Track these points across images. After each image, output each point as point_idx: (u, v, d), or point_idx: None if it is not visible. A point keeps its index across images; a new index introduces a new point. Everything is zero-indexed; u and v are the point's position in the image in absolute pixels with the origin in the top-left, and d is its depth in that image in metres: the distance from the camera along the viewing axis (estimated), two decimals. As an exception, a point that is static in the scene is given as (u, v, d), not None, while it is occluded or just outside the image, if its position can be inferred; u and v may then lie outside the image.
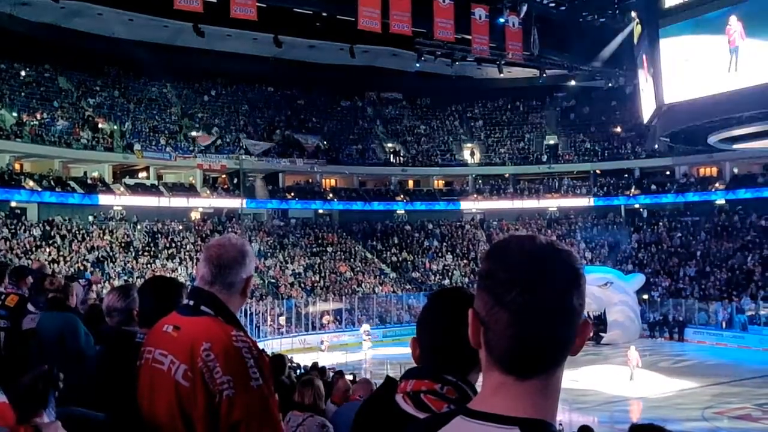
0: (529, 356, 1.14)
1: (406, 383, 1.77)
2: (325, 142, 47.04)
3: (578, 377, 22.50)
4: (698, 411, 19.20)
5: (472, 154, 50.80)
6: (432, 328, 1.85)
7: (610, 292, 32.59)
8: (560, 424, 14.77)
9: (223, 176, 43.50)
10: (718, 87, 17.20)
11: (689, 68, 18.94)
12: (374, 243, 44.78)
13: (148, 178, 40.75)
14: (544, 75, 39.46)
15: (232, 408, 2.03)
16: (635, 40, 28.40)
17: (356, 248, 43.63)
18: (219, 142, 42.71)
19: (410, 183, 50.70)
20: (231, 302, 2.22)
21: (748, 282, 35.10)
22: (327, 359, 24.45)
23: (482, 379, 1.20)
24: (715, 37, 17.66)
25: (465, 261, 43.76)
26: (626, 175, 47.90)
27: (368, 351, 30.40)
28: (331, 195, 46.03)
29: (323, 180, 47.46)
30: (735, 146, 23.78)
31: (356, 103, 52.44)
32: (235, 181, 42.78)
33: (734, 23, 15.52)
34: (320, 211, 46.77)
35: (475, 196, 48.98)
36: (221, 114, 45.85)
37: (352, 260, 42.05)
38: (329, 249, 42.45)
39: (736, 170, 44.26)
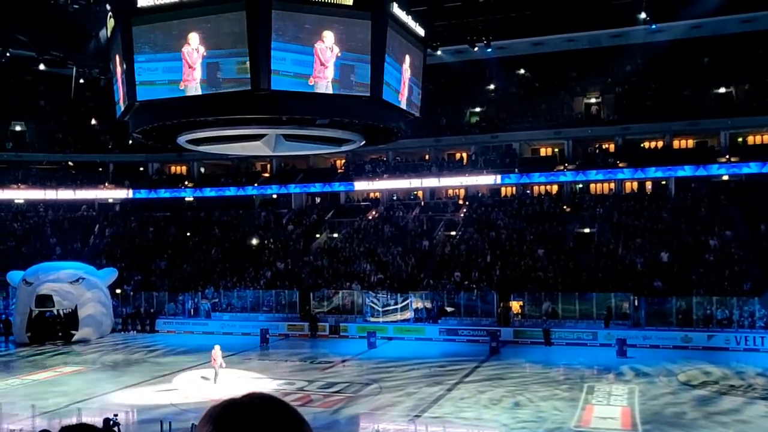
0: None
1: None
2: None
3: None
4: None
5: None
6: None
7: (82, 288, 31.83)
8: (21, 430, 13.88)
9: None
10: (184, 90, 18.17)
11: (161, 70, 19.51)
12: None
13: None
14: (7, 54, 35.64)
15: None
16: (108, 33, 28.16)
17: None
18: None
19: None
20: None
21: (211, 273, 38.37)
22: None
23: None
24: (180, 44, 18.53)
25: None
26: (101, 169, 47.24)
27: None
28: None
29: None
30: (200, 148, 25.49)
31: None
32: None
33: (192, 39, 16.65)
34: None
35: None
36: None
37: None
38: None
39: (203, 170, 48.00)
